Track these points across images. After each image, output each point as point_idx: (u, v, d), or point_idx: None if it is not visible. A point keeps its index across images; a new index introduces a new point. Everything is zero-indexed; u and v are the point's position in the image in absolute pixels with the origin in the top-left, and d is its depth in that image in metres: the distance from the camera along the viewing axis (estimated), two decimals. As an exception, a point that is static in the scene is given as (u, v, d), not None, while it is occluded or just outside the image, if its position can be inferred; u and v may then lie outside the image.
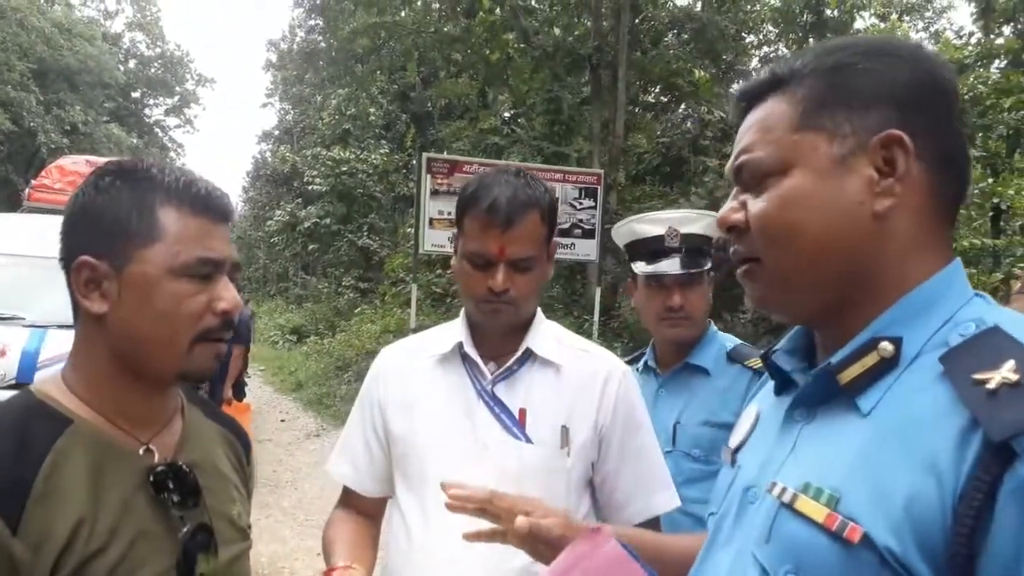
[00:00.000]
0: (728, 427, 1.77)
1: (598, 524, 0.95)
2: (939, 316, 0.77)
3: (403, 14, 14.70)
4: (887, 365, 0.76)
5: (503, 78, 13.65)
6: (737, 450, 0.97)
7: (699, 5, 14.82)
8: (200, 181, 1.03)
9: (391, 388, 1.50)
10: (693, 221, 1.94)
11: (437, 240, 7.64)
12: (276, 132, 37.13)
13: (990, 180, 8.98)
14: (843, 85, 0.80)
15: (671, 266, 1.91)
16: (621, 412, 1.44)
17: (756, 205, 0.83)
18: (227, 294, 1.02)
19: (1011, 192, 8.85)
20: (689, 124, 11.59)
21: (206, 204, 1.02)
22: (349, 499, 1.55)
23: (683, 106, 13.77)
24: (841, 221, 0.78)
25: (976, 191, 8.45)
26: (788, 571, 0.75)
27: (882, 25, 17.25)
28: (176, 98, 40.29)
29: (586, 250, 7.67)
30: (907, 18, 18.86)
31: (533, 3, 13.55)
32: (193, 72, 40.39)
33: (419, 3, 14.55)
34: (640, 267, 1.98)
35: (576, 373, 1.44)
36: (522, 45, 12.92)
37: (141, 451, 1.02)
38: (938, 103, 0.80)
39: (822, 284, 0.81)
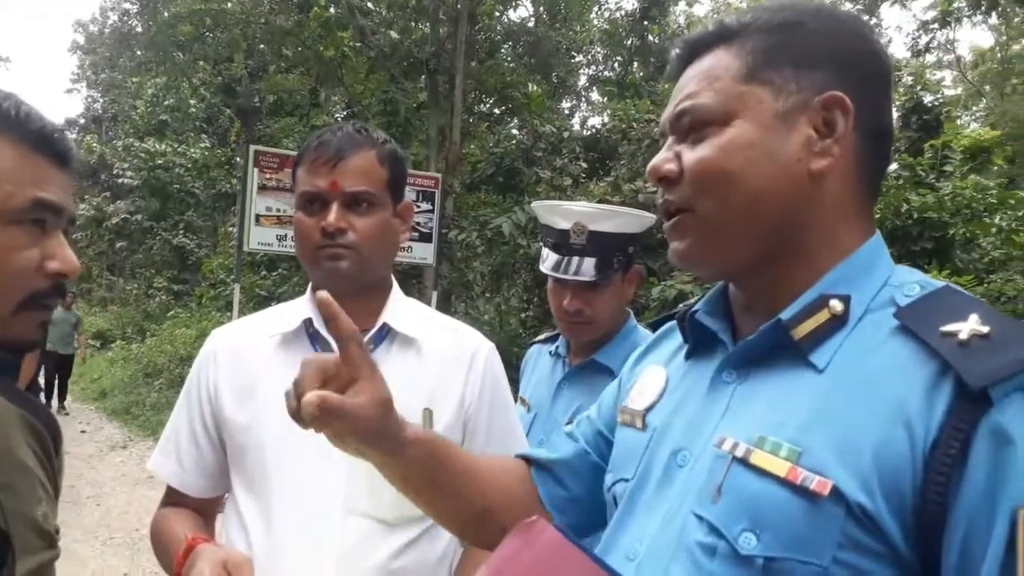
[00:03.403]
0: None
1: (532, 518, 0.87)
2: (876, 279, 0.79)
3: (230, 4, 13.92)
4: (837, 323, 0.77)
5: (337, 76, 13.27)
6: (646, 412, 0.92)
7: (533, 21, 15.23)
8: (42, 117, 0.88)
9: (226, 373, 1.32)
10: (604, 218, 1.77)
11: (264, 238, 7.21)
12: (82, 120, 34.17)
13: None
14: (791, 43, 0.81)
15: (571, 269, 1.76)
16: (488, 392, 1.35)
17: (694, 153, 0.82)
18: (63, 252, 0.88)
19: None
20: (522, 135, 11.82)
21: (48, 142, 0.87)
22: (175, 500, 1.36)
23: (516, 118, 14.04)
24: (778, 175, 0.78)
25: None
26: (744, 528, 0.72)
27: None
28: (-40, 75, 36.00)
29: (423, 254, 7.56)
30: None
31: (369, 5, 13.30)
32: (-18, 48, 36.34)
33: (247, -8, 13.86)
34: (544, 259, 1.84)
35: (439, 351, 1.33)
36: (358, 44, 12.64)
37: None
38: (876, 75, 0.82)
39: (753, 236, 0.80)
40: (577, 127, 16.26)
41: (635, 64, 17.67)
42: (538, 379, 1.99)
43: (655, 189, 0.89)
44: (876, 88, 0.82)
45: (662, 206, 0.86)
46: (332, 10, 12.62)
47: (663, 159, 0.84)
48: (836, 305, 0.77)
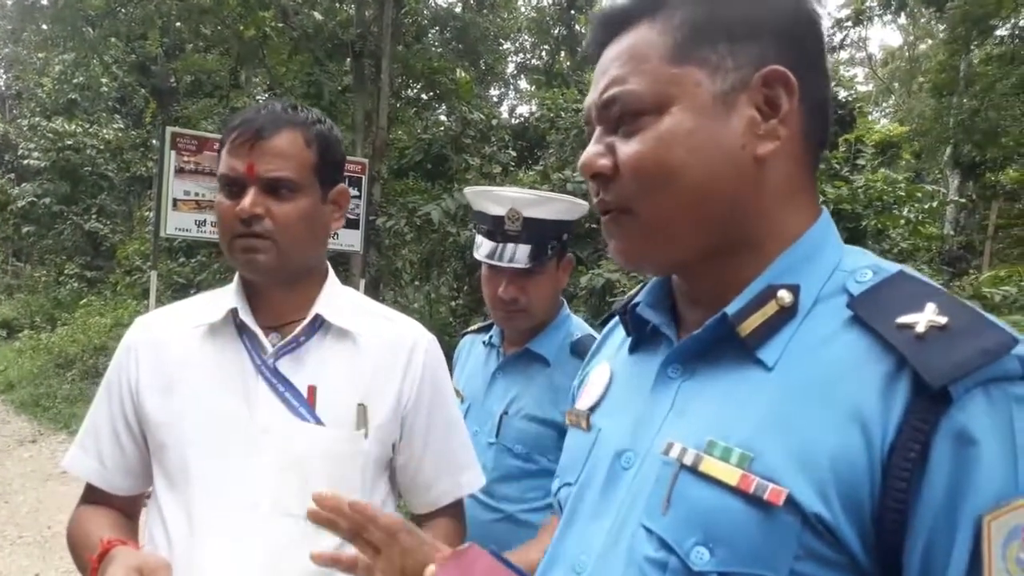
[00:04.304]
0: (555, 425, 1.75)
1: (466, 544, 0.85)
2: (825, 265, 0.74)
3: (143, -22, 13.30)
4: (786, 315, 0.71)
5: (258, 57, 12.86)
6: (591, 412, 0.87)
7: (460, 6, 15.10)
8: None
9: (147, 365, 1.26)
10: (539, 204, 1.75)
11: (182, 224, 6.94)
12: (-18, 97, 32.26)
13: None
14: (721, 12, 0.73)
15: (506, 256, 1.74)
16: (427, 387, 1.31)
17: (629, 147, 0.74)
18: None
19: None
20: (450, 121, 11.75)
21: None
22: (96, 498, 1.30)
23: (444, 105, 13.93)
24: (722, 165, 0.72)
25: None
26: (697, 543, 0.67)
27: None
28: None
29: (350, 240, 7.42)
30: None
31: (292, -16, 12.93)
32: None
33: (163, -32, 13.27)
34: (478, 246, 1.81)
35: (376, 343, 1.28)
36: (280, 25, 12.28)
37: None
38: (814, 41, 0.76)
39: (699, 233, 0.74)
40: (505, 115, 16.25)
41: (562, 53, 17.74)
42: (472, 369, 1.98)
43: (583, 179, 0.85)
44: (816, 55, 0.76)
45: (598, 204, 0.79)
46: (253, -13, 12.22)
47: (595, 153, 0.77)
48: (784, 296, 0.72)
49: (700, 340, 0.75)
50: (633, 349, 0.88)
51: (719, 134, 0.72)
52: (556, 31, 17.18)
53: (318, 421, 1.21)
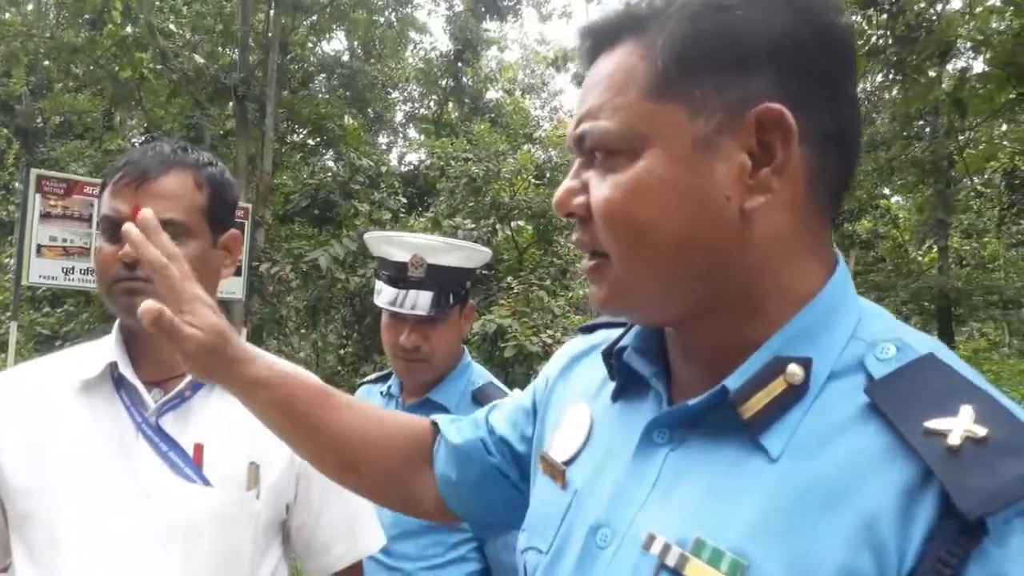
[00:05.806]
0: None
1: None
2: (841, 332, 0.64)
3: (8, 15, 12.60)
4: (795, 394, 0.61)
5: (135, 98, 12.37)
6: (567, 465, 0.78)
7: (347, 55, 15.09)
8: None
9: (10, 426, 1.14)
10: (444, 252, 1.71)
11: (47, 271, 6.48)
12: None
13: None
14: (714, 37, 0.62)
15: (408, 303, 1.69)
16: None
17: (600, 190, 0.65)
18: None
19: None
20: (338, 167, 11.63)
21: None
22: None
23: (331, 150, 13.79)
24: (702, 218, 0.62)
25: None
26: None
27: (508, 98, 19.17)
28: None
29: (231, 288, 7.10)
30: (528, 96, 21.16)
31: (171, 27, 12.55)
32: None
33: (30, 5, 12.63)
34: (378, 292, 1.76)
35: None
36: (158, 66, 11.88)
37: None
38: (831, 62, 0.64)
39: (677, 290, 0.66)
40: (395, 162, 16.25)
41: (450, 104, 17.98)
42: None
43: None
44: (832, 81, 0.64)
45: (576, 244, 0.71)
46: (129, 29, 11.79)
47: (568, 192, 0.69)
48: (795, 372, 0.61)
49: (694, 411, 0.66)
50: (616, 396, 0.79)
51: (698, 185, 0.62)
52: (444, 82, 17.43)
53: (205, 482, 1.12)
